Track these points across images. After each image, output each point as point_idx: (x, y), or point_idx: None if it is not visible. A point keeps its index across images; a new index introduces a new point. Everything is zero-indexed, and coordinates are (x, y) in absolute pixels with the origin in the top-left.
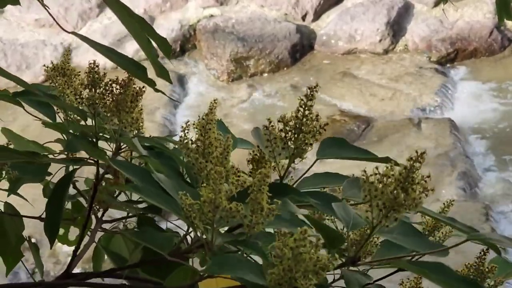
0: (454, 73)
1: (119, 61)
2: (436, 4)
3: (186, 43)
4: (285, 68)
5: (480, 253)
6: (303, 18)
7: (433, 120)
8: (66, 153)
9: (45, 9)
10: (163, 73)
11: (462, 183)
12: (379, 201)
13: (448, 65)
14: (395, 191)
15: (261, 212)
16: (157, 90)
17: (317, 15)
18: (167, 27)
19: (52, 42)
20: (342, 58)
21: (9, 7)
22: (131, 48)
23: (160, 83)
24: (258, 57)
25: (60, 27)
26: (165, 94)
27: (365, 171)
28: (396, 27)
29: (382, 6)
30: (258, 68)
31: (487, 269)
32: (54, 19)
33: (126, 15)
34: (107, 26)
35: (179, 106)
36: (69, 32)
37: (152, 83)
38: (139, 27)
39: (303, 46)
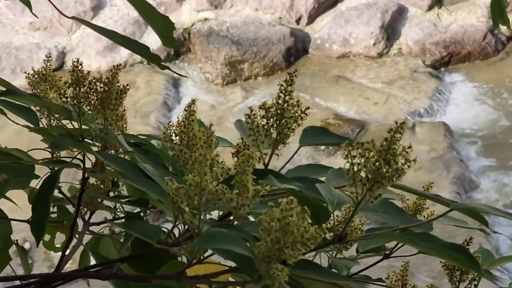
0: (448, 76)
1: (122, 41)
2: (430, 8)
3: (181, 46)
4: (279, 72)
5: (464, 243)
6: (298, 21)
7: (427, 124)
8: (51, 157)
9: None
10: (169, 42)
11: (457, 187)
12: (362, 174)
13: (442, 68)
14: (377, 163)
15: (247, 194)
16: (163, 67)
17: (312, 18)
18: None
19: (46, 45)
20: (336, 61)
21: (3, 10)
22: (126, 51)
23: (154, 86)
24: (252, 60)
25: (59, 11)
26: (170, 70)
27: (347, 146)
28: (390, 30)
29: (376, 9)
30: (252, 71)
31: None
32: (55, 6)
33: None
34: None
35: (173, 110)
36: (70, 18)
37: (157, 60)
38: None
39: (297, 49)
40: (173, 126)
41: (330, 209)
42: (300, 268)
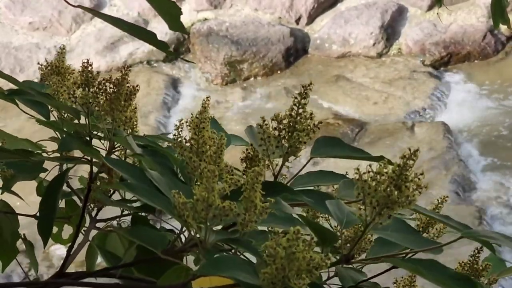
0: (447, 76)
1: (129, 29)
2: (430, 8)
3: (180, 46)
4: (279, 72)
5: (474, 251)
6: (297, 21)
7: (427, 124)
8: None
9: None
10: (176, 25)
11: (456, 186)
12: (372, 198)
13: (441, 68)
14: (388, 189)
15: (254, 210)
16: (170, 53)
17: (311, 18)
18: (161, 30)
19: (46, 45)
20: (336, 61)
21: (2, 10)
22: (125, 51)
23: (154, 86)
24: (252, 60)
25: (67, 1)
26: (181, 58)
27: (358, 169)
28: (390, 30)
29: (376, 9)
30: (252, 71)
31: (481, 267)
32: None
33: None
34: (101, 29)
35: (173, 110)
36: (75, 6)
37: (165, 46)
38: None
39: (297, 49)
40: (182, 126)
41: (338, 229)
42: None
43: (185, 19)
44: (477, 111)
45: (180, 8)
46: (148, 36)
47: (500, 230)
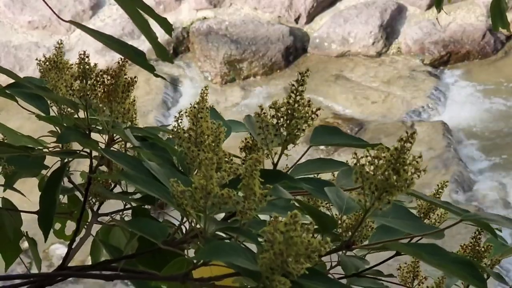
0: (447, 76)
1: (119, 48)
2: (429, 7)
3: (180, 45)
4: (278, 71)
5: (475, 232)
6: (296, 20)
7: (426, 123)
8: (60, 146)
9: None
10: (162, 53)
11: (455, 185)
12: (371, 183)
13: (441, 68)
14: (386, 173)
15: (253, 198)
16: (157, 75)
17: (311, 17)
18: (160, 29)
19: (45, 44)
20: (335, 60)
21: (2, 9)
22: None
23: (154, 85)
24: (251, 59)
25: (58, 16)
26: (164, 79)
27: (355, 154)
28: (389, 29)
29: (375, 9)
30: (251, 70)
31: (483, 249)
32: (51, 8)
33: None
34: (100, 28)
35: (172, 109)
36: (66, 21)
37: (151, 69)
38: (138, 11)
39: (296, 48)
40: (182, 117)
41: (339, 216)
42: (305, 278)
43: (185, 18)
44: (476, 110)
45: (155, 36)
46: (137, 59)
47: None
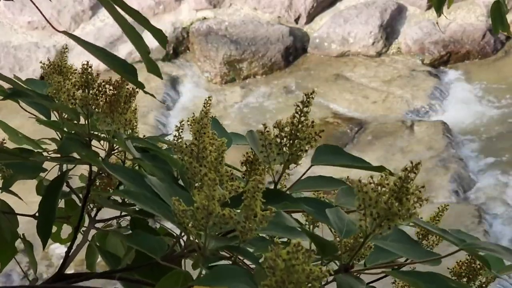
0: (447, 75)
1: (109, 61)
2: (429, 7)
3: (179, 45)
4: (278, 71)
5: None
6: (296, 21)
7: (426, 123)
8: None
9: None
10: (153, 69)
11: (455, 185)
12: (373, 210)
13: (441, 67)
14: (389, 201)
15: (254, 218)
16: (146, 93)
17: (310, 17)
18: (159, 25)
19: (45, 44)
20: (335, 60)
21: (1, 9)
22: (125, 51)
23: (153, 85)
24: (251, 59)
25: (52, 26)
26: (154, 97)
27: (359, 181)
28: (389, 29)
29: (375, 9)
30: (251, 70)
31: (478, 266)
32: (43, 15)
33: (117, 12)
34: (100, 29)
35: (172, 109)
36: (60, 31)
37: (141, 85)
38: (130, 24)
39: (296, 48)
40: (183, 127)
41: (338, 238)
42: None
43: (184, 18)
44: (476, 110)
45: (148, 50)
46: (127, 74)
47: (500, 229)
